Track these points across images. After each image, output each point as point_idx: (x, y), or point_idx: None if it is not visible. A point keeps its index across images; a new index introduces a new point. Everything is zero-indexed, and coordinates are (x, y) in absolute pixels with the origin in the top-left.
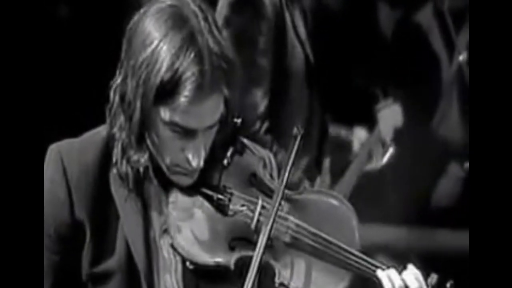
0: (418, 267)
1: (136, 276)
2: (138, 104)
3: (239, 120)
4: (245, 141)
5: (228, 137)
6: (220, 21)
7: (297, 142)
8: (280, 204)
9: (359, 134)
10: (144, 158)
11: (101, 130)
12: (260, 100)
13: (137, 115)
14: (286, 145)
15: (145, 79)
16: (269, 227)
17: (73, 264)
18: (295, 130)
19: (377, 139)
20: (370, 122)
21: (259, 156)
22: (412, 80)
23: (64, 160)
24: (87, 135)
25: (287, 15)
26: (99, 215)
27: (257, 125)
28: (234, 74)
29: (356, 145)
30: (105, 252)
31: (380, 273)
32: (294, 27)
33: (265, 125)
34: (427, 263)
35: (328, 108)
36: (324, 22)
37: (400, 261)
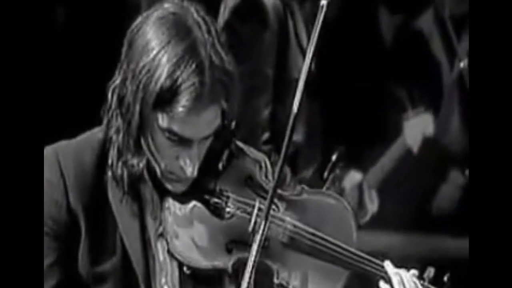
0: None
1: (133, 279)
2: (137, 108)
3: (233, 123)
4: (240, 144)
5: (223, 140)
6: (221, 26)
7: (322, 13)
8: (272, 201)
9: (353, 178)
10: (142, 163)
11: (97, 132)
12: (262, 109)
13: (135, 119)
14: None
15: (145, 84)
16: (264, 223)
17: (71, 264)
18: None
19: (369, 183)
20: (373, 129)
21: (254, 159)
22: (413, 87)
23: (61, 161)
24: (83, 136)
25: (290, 24)
26: (95, 216)
27: (258, 133)
28: (234, 88)
29: (348, 188)
30: (103, 253)
31: (390, 270)
32: (297, 36)
33: (266, 135)
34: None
35: (329, 118)
36: (326, 31)
37: (400, 268)
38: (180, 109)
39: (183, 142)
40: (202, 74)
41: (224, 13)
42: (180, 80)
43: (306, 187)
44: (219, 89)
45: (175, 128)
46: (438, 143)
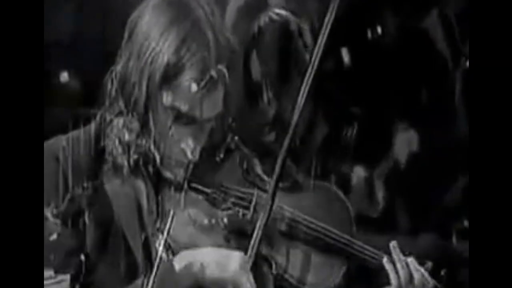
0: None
1: (133, 273)
2: (144, 86)
3: (230, 119)
4: (235, 139)
5: (222, 135)
6: (228, 27)
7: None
8: (274, 192)
9: (359, 172)
10: (149, 142)
11: (89, 128)
12: (267, 108)
13: (142, 97)
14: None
15: (152, 60)
16: (266, 215)
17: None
18: None
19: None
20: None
21: (250, 154)
22: (418, 88)
23: (59, 154)
24: (76, 132)
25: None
26: (96, 207)
27: (265, 132)
28: (237, 67)
29: (355, 181)
30: (105, 250)
31: (385, 262)
32: (300, 36)
33: (273, 133)
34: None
35: (330, 118)
36: (330, 30)
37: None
38: (187, 83)
39: (186, 121)
40: (208, 50)
41: (230, 14)
42: (186, 56)
43: (303, 179)
44: (224, 65)
45: (180, 105)
46: (441, 143)
